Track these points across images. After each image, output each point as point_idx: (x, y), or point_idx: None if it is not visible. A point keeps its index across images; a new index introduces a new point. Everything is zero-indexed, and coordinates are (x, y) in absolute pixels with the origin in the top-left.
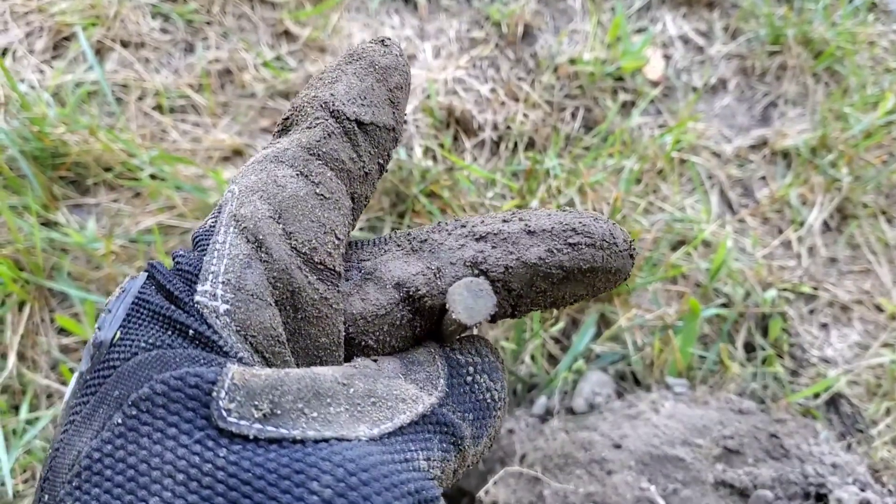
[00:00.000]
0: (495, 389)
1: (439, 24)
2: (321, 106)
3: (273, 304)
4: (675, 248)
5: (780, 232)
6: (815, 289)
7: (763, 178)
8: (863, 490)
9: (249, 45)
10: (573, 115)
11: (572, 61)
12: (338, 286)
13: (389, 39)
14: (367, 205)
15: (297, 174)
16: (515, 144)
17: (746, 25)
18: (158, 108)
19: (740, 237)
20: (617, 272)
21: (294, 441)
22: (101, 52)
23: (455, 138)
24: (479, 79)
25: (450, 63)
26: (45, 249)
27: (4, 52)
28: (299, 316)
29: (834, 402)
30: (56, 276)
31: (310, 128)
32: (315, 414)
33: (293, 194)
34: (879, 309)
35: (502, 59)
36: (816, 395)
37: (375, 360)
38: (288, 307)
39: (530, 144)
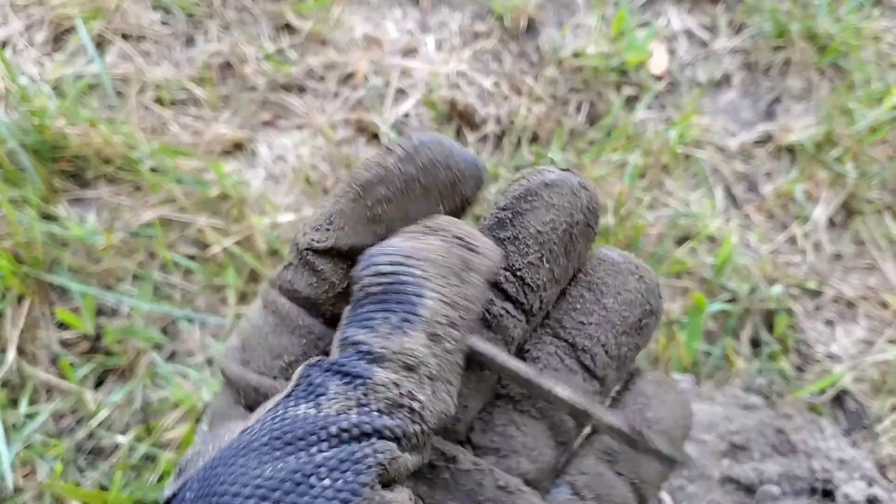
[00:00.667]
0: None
1: (442, 17)
2: (292, 244)
3: (237, 410)
4: (679, 243)
5: (785, 227)
6: (821, 285)
7: (768, 173)
8: (870, 485)
9: (251, 38)
10: (577, 109)
11: (576, 55)
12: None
13: (397, 142)
14: None
15: (262, 307)
16: (519, 139)
17: (751, 20)
18: (159, 101)
19: (745, 232)
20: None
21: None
22: (101, 44)
23: (458, 132)
24: (481, 72)
25: (452, 56)
26: (45, 243)
27: (4, 44)
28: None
29: (839, 399)
30: (56, 269)
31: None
32: (209, 445)
33: (255, 326)
34: (885, 305)
35: (505, 52)
36: (822, 392)
37: None
38: (255, 398)
39: (534, 139)
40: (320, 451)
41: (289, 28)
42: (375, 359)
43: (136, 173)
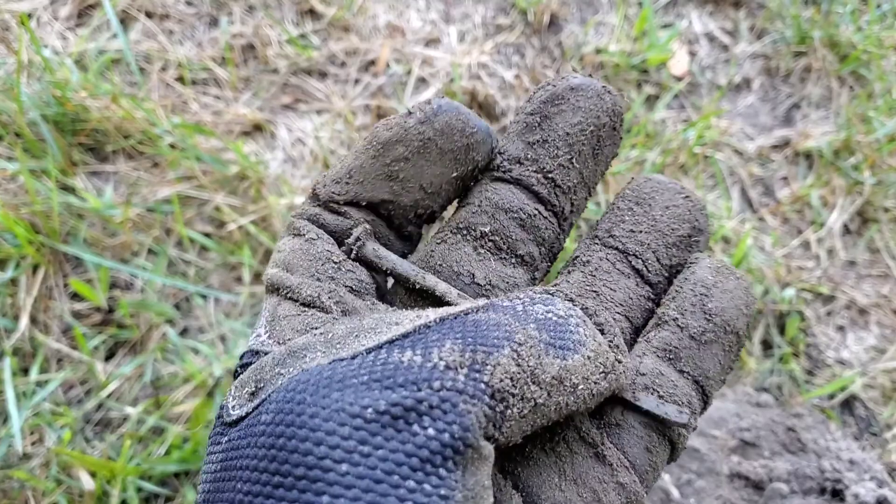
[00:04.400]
0: (558, 309)
1: (465, 8)
2: (311, 192)
3: (301, 310)
4: None
5: (800, 232)
6: (834, 290)
7: (784, 177)
8: (880, 487)
9: (274, 22)
10: None
11: (598, 51)
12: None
13: (417, 106)
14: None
15: (293, 235)
16: None
17: (772, 26)
18: (180, 79)
19: (760, 235)
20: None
21: (267, 398)
22: (125, 21)
23: None
24: (503, 64)
25: (474, 48)
26: (62, 214)
27: (29, 16)
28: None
29: (849, 404)
30: (72, 240)
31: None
32: (289, 369)
33: (293, 249)
34: None
35: (527, 46)
36: (832, 396)
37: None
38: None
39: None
40: (426, 392)
41: (312, 13)
42: (516, 343)
43: (155, 149)
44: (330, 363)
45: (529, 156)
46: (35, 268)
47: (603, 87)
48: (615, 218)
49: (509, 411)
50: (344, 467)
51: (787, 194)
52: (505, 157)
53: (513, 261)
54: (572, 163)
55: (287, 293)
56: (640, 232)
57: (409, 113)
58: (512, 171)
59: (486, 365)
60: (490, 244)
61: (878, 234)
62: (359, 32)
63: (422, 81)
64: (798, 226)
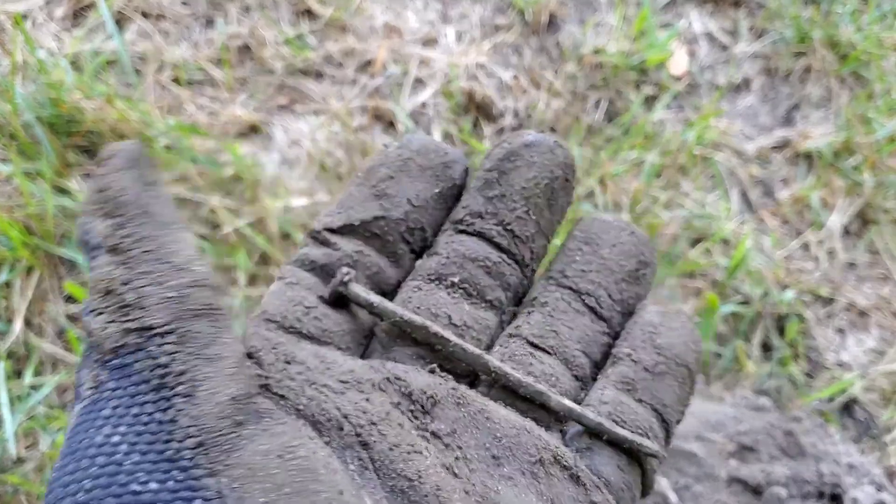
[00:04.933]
0: None
1: (462, 8)
2: (305, 234)
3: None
4: (693, 244)
5: (800, 234)
6: (833, 292)
7: (784, 178)
8: (879, 491)
9: (270, 22)
10: (596, 106)
11: (597, 52)
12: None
13: (392, 141)
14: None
15: (278, 280)
16: None
17: (772, 26)
18: (176, 80)
19: (760, 237)
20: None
21: None
22: (121, 22)
23: (475, 124)
24: (501, 65)
25: (472, 48)
26: (57, 216)
27: (24, 17)
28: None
29: (848, 407)
30: (66, 243)
31: None
32: None
33: (270, 293)
34: None
35: (526, 46)
36: (831, 399)
37: None
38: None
39: (551, 133)
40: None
41: (309, 13)
42: None
43: (150, 151)
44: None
45: (489, 210)
46: (29, 270)
47: (555, 141)
48: (566, 258)
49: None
50: None
51: (787, 195)
52: (468, 212)
53: (482, 305)
54: (529, 214)
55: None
56: (591, 271)
57: (385, 146)
58: (475, 224)
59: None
60: (461, 291)
61: (878, 236)
62: (356, 33)
63: (419, 82)
64: (798, 227)
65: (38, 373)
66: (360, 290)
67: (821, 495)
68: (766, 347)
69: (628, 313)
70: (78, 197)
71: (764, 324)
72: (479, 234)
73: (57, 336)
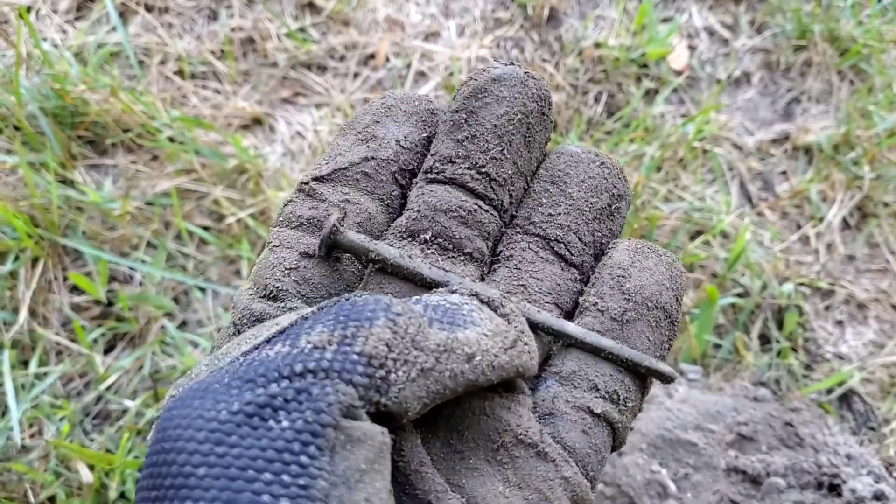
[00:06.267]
0: (452, 298)
1: (464, 2)
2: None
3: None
4: (693, 237)
5: (799, 227)
6: (832, 285)
7: (784, 172)
8: (877, 481)
9: (273, 15)
10: (596, 99)
11: (597, 46)
12: (298, 297)
13: (385, 92)
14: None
15: (268, 246)
16: None
17: (773, 20)
18: (180, 73)
19: (759, 230)
20: None
21: None
22: (124, 14)
23: None
24: (502, 59)
25: (474, 42)
26: (61, 207)
27: (28, 9)
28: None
29: (847, 399)
30: (71, 234)
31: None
32: (178, 390)
33: (259, 260)
34: None
35: (527, 40)
36: (830, 391)
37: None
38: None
39: (552, 126)
40: (278, 386)
41: (312, 6)
42: (393, 314)
43: (154, 142)
44: (208, 375)
45: (460, 153)
46: (34, 261)
47: (525, 73)
48: (533, 202)
49: (393, 375)
50: (202, 471)
51: (787, 189)
52: (437, 158)
53: (462, 258)
54: (504, 154)
55: (234, 316)
56: (559, 214)
57: (366, 101)
58: (445, 170)
59: (358, 337)
60: (435, 246)
61: (877, 229)
62: (358, 26)
63: (421, 75)
64: (797, 220)
65: (42, 362)
66: (353, 236)
67: (819, 485)
68: (765, 339)
69: (601, 253)
70: (82, 188)
71: (763, 316)
72: (452, 181)
73: (61, 326)
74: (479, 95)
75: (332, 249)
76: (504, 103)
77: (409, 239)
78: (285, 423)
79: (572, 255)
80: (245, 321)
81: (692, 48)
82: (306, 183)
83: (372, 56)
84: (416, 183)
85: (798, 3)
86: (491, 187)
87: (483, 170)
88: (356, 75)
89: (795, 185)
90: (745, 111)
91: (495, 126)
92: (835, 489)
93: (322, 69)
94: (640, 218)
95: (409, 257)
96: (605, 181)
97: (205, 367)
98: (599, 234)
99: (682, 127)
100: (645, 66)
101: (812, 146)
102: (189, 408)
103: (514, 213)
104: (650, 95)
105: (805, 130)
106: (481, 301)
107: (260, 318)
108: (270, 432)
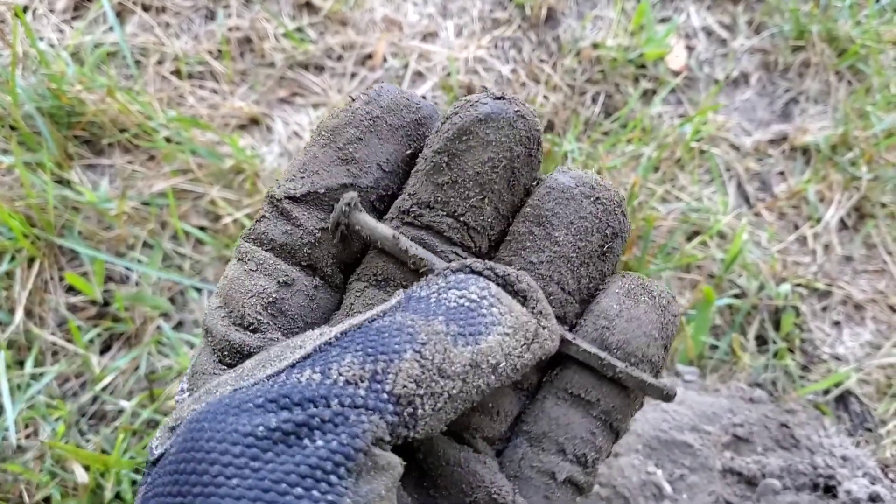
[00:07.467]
0: (471, 293)
1: (462, 2)
2: (266, 197)
3: (219, 369)
4: (690, 238)
5: (797, 228)
6: (829, 286)
7: (781, 172)
8: (873, 483)
9: (271, 15)
10: (594, 100)
11: (595, 46)
12: (276, 329)
13: (360, 92)
14: (341, 269)
15: (237, 261)
16: None
17: (771, 20)
18: (177, 72)
19: (756, 230)
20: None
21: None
22: (121, 14)
23: None
24: (500, 59)
25: (471, 42)
26: (58, 207)
27: (25, 9)
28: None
29: (843, 400)
30: (67, 234)
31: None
32: (200, 404)
33: (231, 279)
34: (893, 309)
35: (524, 40)
36: (826, 391)
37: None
38: (239, 359)
39: (549, 127)
40: (321, 409)
41: (309, 6)
42: (419, 344)
43: (151, 142)
44: (232, 392)
45: (439, 198)
46: (30, 261)
47: (516, 111)
48: (515, 245)
49: (420, 411)
50: (234, 481)
51: (784, 189)
52: (414, 201)
53: None
54: (484, 202)
55: (212, 342)
56: (541, 263)
57: (353, 99)
58: (422, 216)
59: (388, 373)
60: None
61: (874, 230)
62: (355, 26)
63: (418, 75)
64: (794, 221)
65: (38, 362)
66: (368, 220)
67: (815, 487)
68: (762, 340)
69: (591, 296)
70: (78, 188)
71: (760, 317)
72: (428, 228)
73: (57, 326)
74: (464, 138)
75: (343, 233)
76: (489, 149)
77: (383, 285)
78: (320, 443)
79: (554, 307)
80: (226, 353)
81: (690, 48)
82: (279, 200)
83: (369, 56)
84: (392, 220)
85: (796, 4)
86: (469, 235)
87: (461, 218)
88: (353, 75)
89: (793, 186)
90: (742, 111)
91: (477, 173)
92: (830, 490)
93: (319, 69)
94: (637, 219)
95: (423, 247)
96: (598, 221)
97: (230, 385)
98: (587, 278)
99: (679, 127)
100: (643, 66)
101: (810, 147)
102: (223, 423)
103: (494, 254)
104: (648, 96)
105: (803, 131)
106: (497, 277)
107: (240, 350)
108: (305, 450)
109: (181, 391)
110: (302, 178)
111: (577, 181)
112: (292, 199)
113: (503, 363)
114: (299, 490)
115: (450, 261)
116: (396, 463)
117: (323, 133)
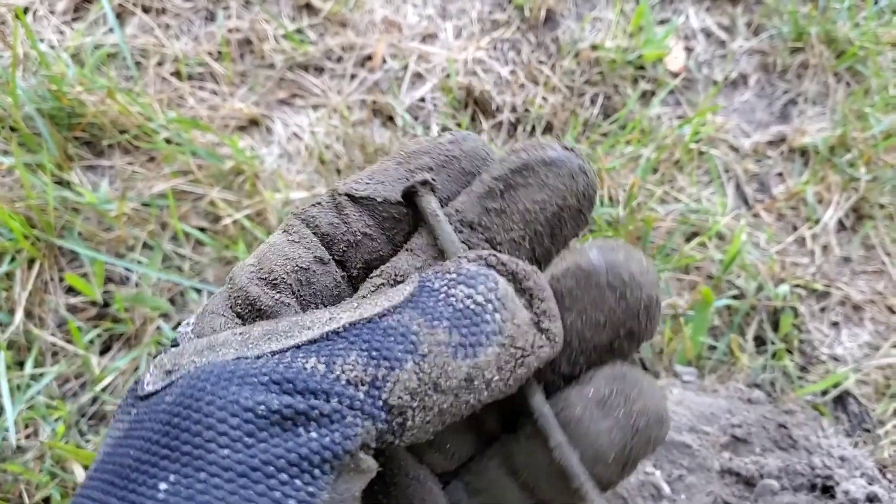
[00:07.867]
0: (478, 294)
1: (461, 4)
2: (329, 189)
3: (228, 313)
4: (688, 239)
5: (795, 229)
6: (828, 287)
7: (780, 174)
8: (871, 483)
9: (271, 16)
10: (592, 101)
11: (594, 47)
12: (293, 295)
13: (448, 131)
14: (367, 272)
15: (282, 231)
16: (533, 127)
17: (769, 22)
18: (177, 74)
19: (754, 231)
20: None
21: (175, 381)
22: (122, 15)
23: (473, 119)
24: (499, 60)
25: (470, 44)
26: (58, 208)
27: (25, 10)
28: (260, 316)
29: (842, 400)
30: (67, 235)
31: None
32: (203, 360)
33: (272, 244)
34: (892, 310)
35: (524, 42)
36: (825, 392)
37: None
38: (249, 312)
39: (548, 128)
40: (321, 401)
41: (309, 8)
42: (420, 356)
43: (151, 144)
44: (235, 359)
45: (483, 222)
46: (30, 262)
47: (579, 165)
48: None
49: (409, 422)
50: (225, 451)
51: (783, 191)
52: (458, 218)
53: None
54: (524, 241)
55: (231, 289)
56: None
57: (439, 135)
58: (462, 233)
59: (387, 381)
60: None
61: (873, 231)
62: (355, 27)
63: (418, 77)
64: (793, 222)
65: (38, 363)
66: (433, 203)
67: (813, 487)
68: (761, 341)
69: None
70: (78, 189)
71: (758, 317)
72: (464, 245)
73: (57, 327)
74: (524, 172)
75: (407, 200)
76: (545, 190)
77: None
78: (314, 435)
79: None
80: (239, 301)
81: (689, 50)
82: (340, 193)
83: (369, 57)
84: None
85: (795, 5)
86: None
87: (498, 248)
88: (353, 77)
89: (791, 187)
90: (741, 113)
91: (527, 210)
92: (828, 491)
93: (319, 70)
94: (635, 220)
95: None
96: (615, 318)
97: (233, 349)
98: (584, 366)
99: (678, 129)
100: (641, 67)
101: (808, 148)
102: (225, 390)
103: None
104: (647, 97)
105: (801, 132)
106: (508, 272)
107: (253, 303)
108: (299, 438)
109: (186, 325)
110: (367, 182)
111: (610, 265)
112: (351, 196)
113: (496, 377)
114: (284, 476)
115: None
116: (374, 467)
117: (401, 152)
